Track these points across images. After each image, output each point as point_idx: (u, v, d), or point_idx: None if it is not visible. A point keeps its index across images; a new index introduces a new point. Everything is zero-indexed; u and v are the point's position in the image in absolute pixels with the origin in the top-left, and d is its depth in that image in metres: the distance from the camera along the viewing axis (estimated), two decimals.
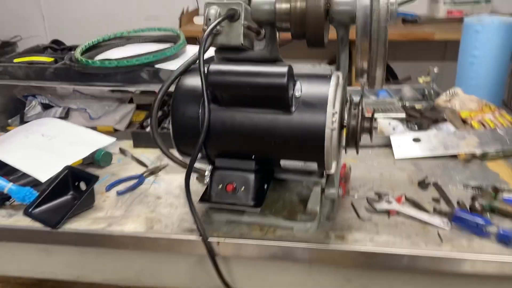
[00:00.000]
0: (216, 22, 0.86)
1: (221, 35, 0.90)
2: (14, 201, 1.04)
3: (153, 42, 1.56)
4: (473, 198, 0.99)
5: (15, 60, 1.41)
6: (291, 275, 0.96)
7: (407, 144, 1.26)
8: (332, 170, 0.88)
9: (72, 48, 1.54)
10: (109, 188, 1.10)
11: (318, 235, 0.91)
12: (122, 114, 1.48)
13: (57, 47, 1.54)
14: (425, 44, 3.08)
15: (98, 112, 1.46)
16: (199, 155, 0.89)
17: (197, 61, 0.84)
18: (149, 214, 1.00)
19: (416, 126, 1.35)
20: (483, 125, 1.27)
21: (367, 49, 0.79)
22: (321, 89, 0.83)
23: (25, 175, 1.09)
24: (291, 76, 0.81)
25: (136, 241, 0.94)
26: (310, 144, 0.82)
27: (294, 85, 0.83)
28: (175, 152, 0.96)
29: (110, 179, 1.14)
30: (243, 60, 0.92)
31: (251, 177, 0.88)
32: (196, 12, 3.34)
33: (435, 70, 1.55)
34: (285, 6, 0.86)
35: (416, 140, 1.27)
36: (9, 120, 1.51)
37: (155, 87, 1.35)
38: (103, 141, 1.25)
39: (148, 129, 1.35)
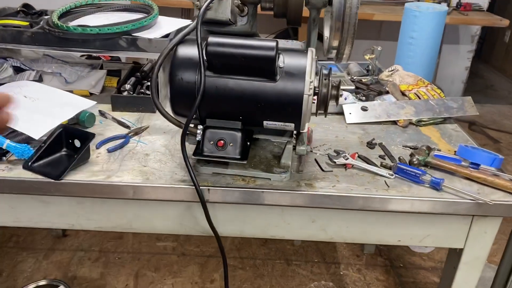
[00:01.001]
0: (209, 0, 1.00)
1: (210, 10, 1.04)
2: (10, 156, 1.12)
3: (123, 11, 1.63)
4: (411, 155, 1.22)
5: None
6: (266, 218, 1.15)
7: (356, 111, 1.48)
8: (305, 130, 1.06)
9: (43, 12, 1.58)
10: (99, 145, 1.21)
11: (290, 184, 1.09)
12: (96, 79, 1.55)
13: (27, 10, 1.56)
14: (364, 23, 3.34)
15: (73, 76, 1.52)
16: None
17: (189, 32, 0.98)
18: (142, 168, 1.13)
19: (363, 97, 1.57)
20: (418, 97, 1.52)
21: (340, 30, 0.96)
22: (300, 61, 1.00)
23: (16, 133, 1.17)
24: (278, 50, 0.97)
25: (135, 190, 1.07)
26: (291, 107, 0.99)
27: (278, 57, 0.99)
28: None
29: (97, 138, 1.24)
30: (226, 33, 1.07)
31: (239, 134, 1.04)
32: None
33: (379, 48, 1.77)
34: None
35: (364, 108, 1.49)
36: None
37: (133, 54, 1.44)
38: (85, 103, 1.33)
39: (125, 93, 1.45)
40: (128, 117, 1.39)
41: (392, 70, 1.64)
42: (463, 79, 4.11)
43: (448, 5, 3.24)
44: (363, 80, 1.71)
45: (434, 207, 1.08)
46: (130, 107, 1.42)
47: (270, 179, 1.10)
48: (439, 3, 3.22)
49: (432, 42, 1.66)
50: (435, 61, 1.73)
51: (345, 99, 1.55)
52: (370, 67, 1.81)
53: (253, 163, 1.14)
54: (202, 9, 0.99)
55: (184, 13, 3.29)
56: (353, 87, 1.64)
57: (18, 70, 1.53)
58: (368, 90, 1.61)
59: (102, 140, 1.23)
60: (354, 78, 1.73)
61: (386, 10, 3.14)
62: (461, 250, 1.18)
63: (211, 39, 0.96)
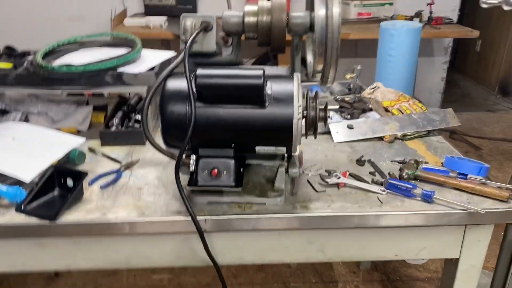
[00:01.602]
0: (195, 34, 1.03)
1: (196, 43, 1.07)
2: (1, 200, 1.10)
3: (105, 47, 1.65)
4: (401, 170, 1.25)
5: None
6: (264, 243, 1.15)
7: (343, 130, 1.51)
8: (297, 153, 1.08)
9: (26, 53, 1.58)
10: (91, 183, 1.20)
11: (286, 207, 1.11)
12: (83, 115, 1.55)
13: (10, 52, 1.57)
14: (341, 43, 3.43)
15: (59, 114, 1.52)
16: None
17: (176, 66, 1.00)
18: (136, 202, 1.13)
19: (348, 115, 1.60)
20: (401, 112, 1.56)
21: (323, 54, 0.99)
22: (286, 87, 1.02)
23: (5, 176, 1.16)
24: (265, 78, 0.99)
25: (131, 226, 1.06)
26: (281, 131, 1.01)
27: (266, 85, 1.01)
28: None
29: (89, 176, 1.24)
30: (213, 64, 1.09)
31: (232, 162, 1.05)
32: (124, 13, 3.38)
33: (358, 67, 1.82)
34: (252, 19, 1.04)
35: (350, 127, 1.52)
36: None
37: (119, 89, 1.45)
38: (74, 141, 1.33)
39: (113, 128, 1.45)
40: (118, 151, 1.39)
41: (373, 88, 1.68)
42: (440, 89, 4.23)
43: (420, 20, 3.35)
44: (346, 99, 1.75)
45: (428, 220, 1.10)
46: (119, 141, 1.42)
47: (265, 203, 1.11)
48: (411, 19, 3.33)
49: (409, 58, 1.72)
50: (414, 75, 1.79)
51: (331, 118, 1.58)
52: (351, 85, 1.86)
53: (248, 188, 1.15)
54: (188, 43, 1.01)
55: (164, 43, 3.32)
56: (337, 107, 1.67)
57: (2, 112, 1.52)
58: (352, 109, 1.65)
59: (95, 177, 1.23)
60: (338, 97, 1.77)
61: (361, 29, 3.22)
62: (457, 260, 1.20)
63: (200, 71, 0.98)
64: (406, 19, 3.31)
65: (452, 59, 4.66)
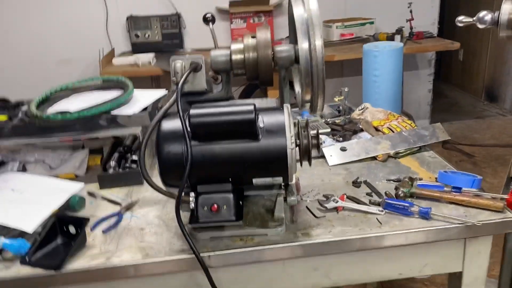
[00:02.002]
0: (185, 75, 1.06)
1: (187, 83, 1.10)
2: (5, 253, 1.11)
3: (97, 90, 1.68)
4: (396, 188, 1.27)
5: None
6: (269, 273, 1.16)
7: (336, 153, 1.54)
8: (293, 181, 1.11)
9: (20, 103, 1.61)
10: (93, 227, 1.21)
11: (288, 236, 1.12)
12: (79, 160, 1.57)
13: (4, 105, 1.59)
14: (327, 64, 3.50)
15: (56, 161, 1.54)
16: None
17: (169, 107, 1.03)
18: (139, 244, 1.14)
19: (340, 138, 1.63)
20: (392, 130, 1.59)
21: (310, 85, 1.03)
22: (278, 118, 1.05)
23: (8, 229, 1.16)
24: (256, 112, 1.02)
25: (136, 268, 1.07)
26: (277, 162, 1.03)
27: (258, 118, 1.04)
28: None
29: (91, 220, 1.25)
30: (204, 101, 1.13)
31: (230, 196, 1.07)
32: (112, 53, 3.44)
33: (346, 89, 1.86)
34: (239, 57, 1.08)
35: (343, 149, 1.55)
36: None
37: (114, 132, 1.48)
38: (73, 187, 1.35)
39: (111, 170, 1.47)
40: (117, 192, 1.40)
41: (362, 109, 1.72)
42: (428, 101, 4.30)
43: (402, 37, 3.44)
44: (336, 121, 1.78)
45: (427, 236, 1.12)
46: (117, 183, 1.43)
47: (267, 234, 1.12)
48: (393, 35, 3.41)
49: (394, 77, 1.77)
50: (401, 93, 1.83)
51: (324, 142, 1.61)
52: (340, 107, 1.90)
53: (248, 220, 1.16)
54: (179, 84, 1.04)
55: (154, 80, 3.37)
56: (329, 130, 1.71)
57: (0, 163, 1.54)
58: (344, 131, 1.68)
59: (96, 221, 1.24)
60: (328, 120, 1.80)
61: (345, 49, 3.30)
62: (460, 273, 1.21)
63: (193, 111, 1.01)
64: (388, 36, 3.40)
65: (437, 70, 4.76)
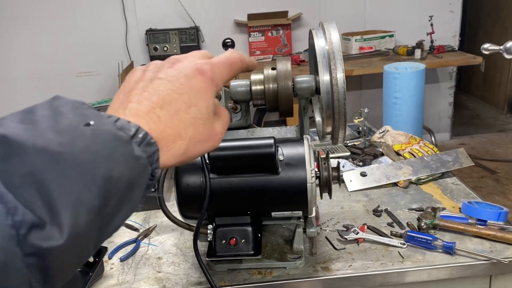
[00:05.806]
0: None
1: None
2: None
3: None
4: (419, 219, 1.24)
5: None
6: None
7: (356, 178, 1.51)
8: (313, 214, 1.08)
9: None
10: (111, 255, 1.21)
11: (307, 270, 1.10)
12: None
13: None
14: (346, 78, 3.47)
15: None
16: None
17: None
18: (157, 274, 1.13)
19: (360, 162, 1.60)
20: (413, 155, 1.56)
21: (331, 118, 1.01)
22: (298, 150, 1.03)
23: None
24: (276, 145, 1.01)
25: None
26: (296, 196, 1.01)
27: (277, 151, 1.02)
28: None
29: (108, 248, 1.25)
30: None
31: (249, 229, 1.05)
32: (131, 66, 3.47)
33: (366, 110, 1.83)
34: (259, 87, 1.07)
35: (363, 174, 1.52)
36: None
37: None
38: None
39: None
40: (134, 217, 1.40)
41: (382, 132, 1.69)
42: (449, 114, 4.22)
43: (422, 50, 3.39)
44: (356, 144, 1.75)
45: (452, 273, 1.09)
46: None
47: (286, 267, 1.10)
48: (413, 49, 3.37)
49: (416, 99, 1.73)
50: (422, 116, 1.79)
51: (343, 166, 1.58)
52: (360, 128, 1.87)
53: (266, 252, 1.14)
54: None
55: None
56: (348, 153, 1.68)
57: None
58: (364, 155, 1.65)
59: (114, 248, 1.24)
60: (348, 143, 1.78)
61: (364, 63, 3.27)
62: None
63: None
64: (408, 50, 3.35)
65: (458, 80, 4.68)
